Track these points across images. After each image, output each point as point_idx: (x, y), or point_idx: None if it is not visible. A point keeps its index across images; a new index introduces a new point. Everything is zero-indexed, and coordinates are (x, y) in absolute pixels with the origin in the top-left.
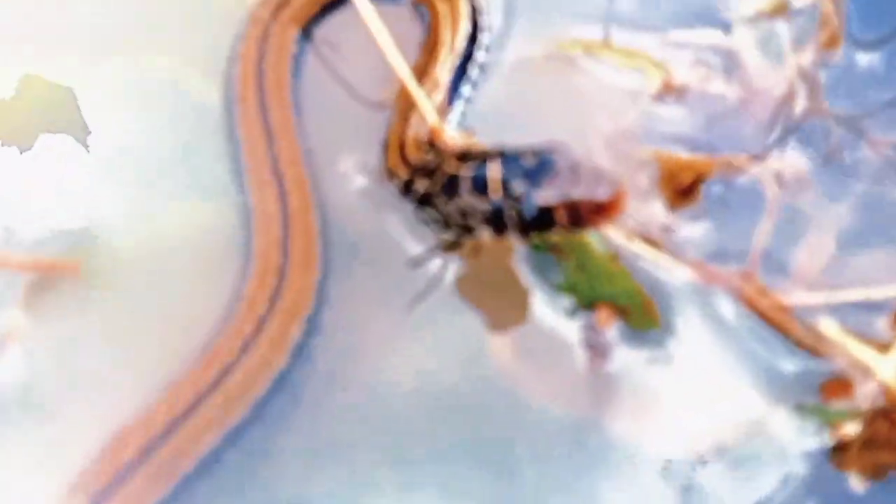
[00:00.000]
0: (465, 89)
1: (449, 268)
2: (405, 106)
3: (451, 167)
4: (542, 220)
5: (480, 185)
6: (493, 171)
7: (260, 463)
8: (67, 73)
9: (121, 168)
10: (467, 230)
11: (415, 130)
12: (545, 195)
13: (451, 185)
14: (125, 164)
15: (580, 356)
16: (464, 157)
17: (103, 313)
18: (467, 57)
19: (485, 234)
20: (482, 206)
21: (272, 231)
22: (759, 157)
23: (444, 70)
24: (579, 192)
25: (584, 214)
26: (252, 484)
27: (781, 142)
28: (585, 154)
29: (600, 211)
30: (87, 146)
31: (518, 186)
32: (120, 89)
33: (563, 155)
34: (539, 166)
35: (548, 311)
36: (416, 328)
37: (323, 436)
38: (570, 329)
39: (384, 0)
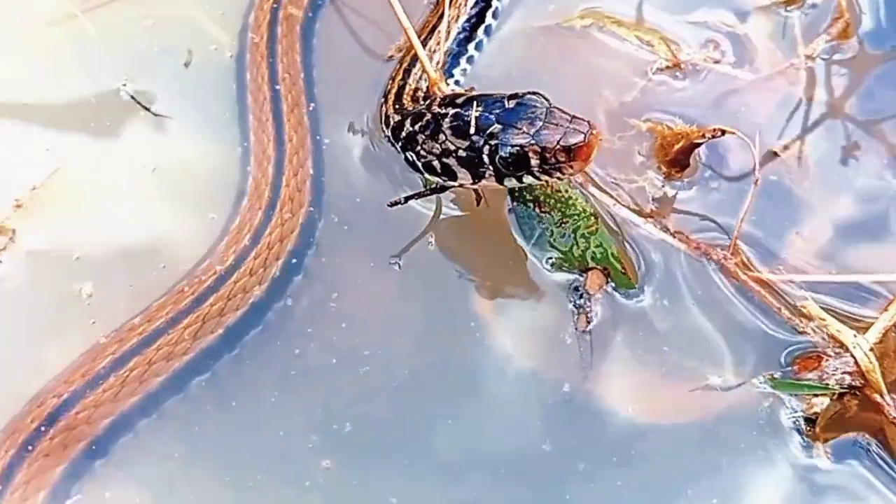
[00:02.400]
0: (470, 48)
1: (437, 217)
2: (408, 59)
3: (435, 109)
4: (516, 163)
5: (460, 126)
6: (473, 112)
7: (233, 388)
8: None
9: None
10: (447, 172)
11: (414, 82)
12: (519, 136)
13: (435, 125)
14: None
15: (563, 316)
16: (449, 100)
17: (93, 228)
18: (477, 17)
19: (463, 178)
20: (460, 145)
21: (266, 170)
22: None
23: (451, 28)
24: (551, 136)
25: (555, 158)
26: (226, 406)
27: (787, 127)
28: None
29: (570, 156)
30: None
31: (495, 127)
32: (143, 29)
33: (541, 100)
34: (516, 109)
35: (531, 266)
36: (400, 279)
37: (295, 368)
38: (552, 285)
39: None
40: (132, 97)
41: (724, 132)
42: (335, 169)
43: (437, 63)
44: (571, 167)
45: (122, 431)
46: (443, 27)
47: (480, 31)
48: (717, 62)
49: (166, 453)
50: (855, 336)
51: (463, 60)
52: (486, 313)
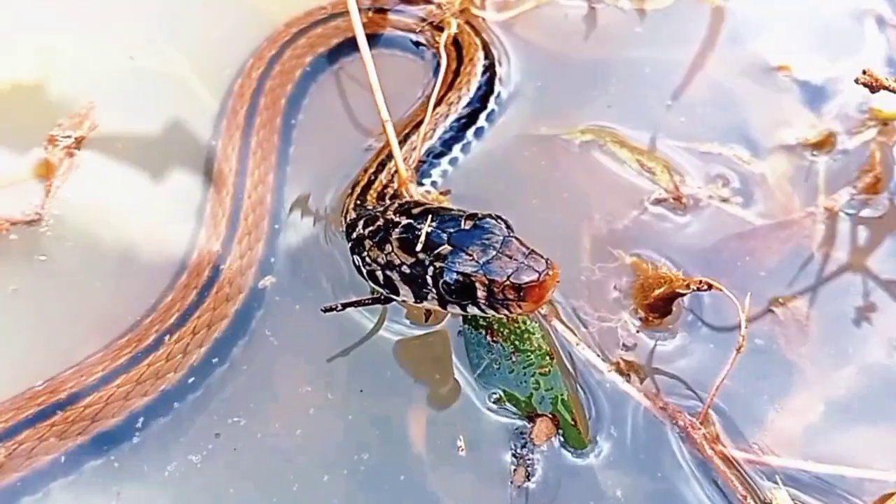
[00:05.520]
0: (456, 149)
1: (377, 329)
2: (385, 152)
3: (389, 214)
4: (460, 291)
5: (409, 240)
6: (426, 226)
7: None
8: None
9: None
10: (390, 286)
11: (386, 178)
12: (467, 263)
13: (384, 233)
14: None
15: (501, 464)
16: (405, 208)
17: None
18: (468, 118)
19: (406, 296)
20: (405, 260)
21: (213, 246)
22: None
23: (438, 125)
24: (501, 269)
25: (503, 294)
26: None
27: (792, 283)
28: (525, 234)
29: (520, 294)
30: None
31: (444, 248)
32: (136, 78)
33: (499, 227)
34: (471, 232)
35: (477, 399)
36: (331, 390)
37: (194, 473)
38: (497, 426)
39: (407, 49)
40: None
41: (710, 286)
42: (288, 257)
43: (413, 161)
44: (520, 307)
45: None
46: (424, 124)
47: (470, 132)
48: (724, 200)
49: None
50: None
51: (445, 161)
52: (420, 444)
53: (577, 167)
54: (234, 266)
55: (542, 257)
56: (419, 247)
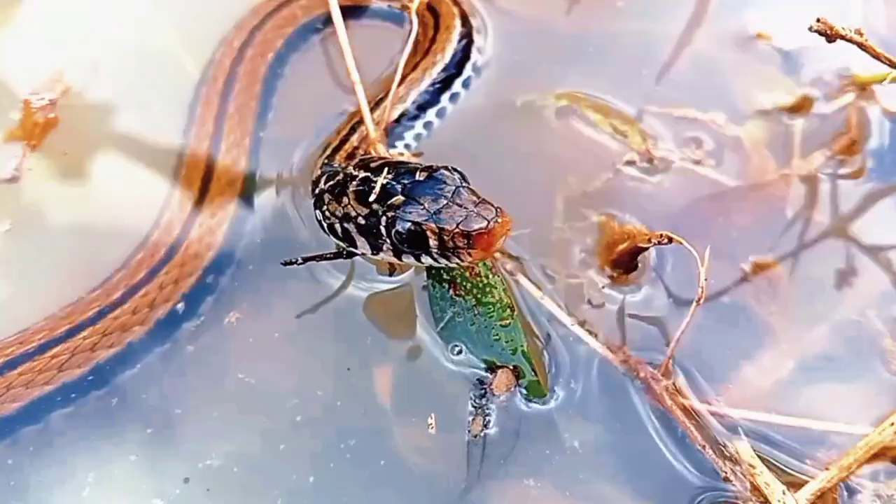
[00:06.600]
0: (430, 113)
1: (346, 285)
2: (356, 117)
3: (349, 169)
4: (412, 240)
5: (364, 191)
6: (381, 178)
7: (96, 430)
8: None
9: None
10: (348, 238)
11: (357, 140)
12: (418, 212)
13: (342, 186)
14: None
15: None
16: (364, 162)
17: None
18: (443, 83)
19: (363, 247)
20: (361, 211)
21: (185, 206)
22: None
23: (411, 89)
24: (451, 217)
25: (453, 242)
26: (85, 450)
27: (765, 244)
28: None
29: (470, 242)
30: None
31: (397, 198)
32: (121, 43)
33: (453, 177)
34: (424, 183)
35: (439, 352)
36: (300, 345)
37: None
38: (459, 376)
39: (389, 19)
40: None
41: (671, 240)
42: (258, 219)
43: (384, 122)
44: (470, 254)
45: None
46: (394, 85)
47: (445, 97)
48: (697, 162)
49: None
50: (784, 493)
51: (419, 124)
52: (385, 396)
53: (552, 132)
54: (203, 224)
55: (492, 206)
56: (373, 197)
